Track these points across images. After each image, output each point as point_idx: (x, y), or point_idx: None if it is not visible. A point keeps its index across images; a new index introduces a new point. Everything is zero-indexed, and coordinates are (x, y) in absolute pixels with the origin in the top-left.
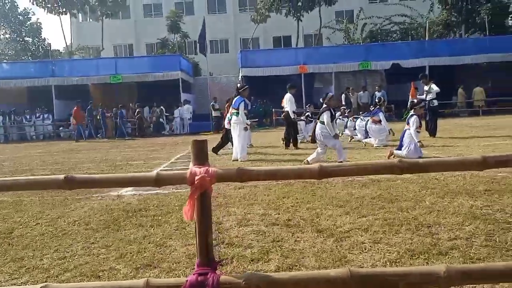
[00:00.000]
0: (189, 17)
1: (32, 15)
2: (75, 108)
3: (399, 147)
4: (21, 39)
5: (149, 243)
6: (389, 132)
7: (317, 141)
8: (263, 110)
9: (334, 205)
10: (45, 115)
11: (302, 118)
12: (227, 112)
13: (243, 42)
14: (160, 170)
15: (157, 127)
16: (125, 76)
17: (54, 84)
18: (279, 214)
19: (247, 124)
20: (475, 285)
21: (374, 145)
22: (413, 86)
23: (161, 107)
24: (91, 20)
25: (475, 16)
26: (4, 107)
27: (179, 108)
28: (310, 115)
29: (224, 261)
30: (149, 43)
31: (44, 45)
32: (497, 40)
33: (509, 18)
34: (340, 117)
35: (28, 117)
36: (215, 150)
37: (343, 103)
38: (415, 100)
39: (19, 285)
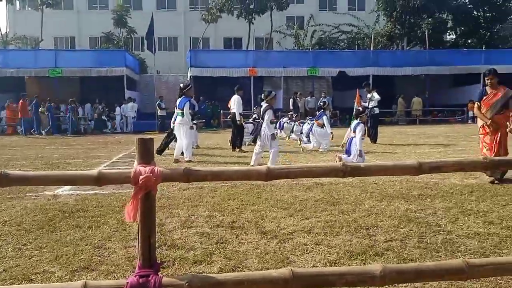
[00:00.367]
0: (137, 12)
1: None
2: (20, 101)
3: (347, 154)
4: None
5: (86, 245)
6: (330, 136)
7: (259, 140)
8: (211, 111)
9: (279, 207)
10: None
11: (249, 120)
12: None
13: (193, 41)
14: (101, 169)
15: (99, 125)
16: (66, 70)
17: None
18: (224, 216)
19: (193, 123)
20: (407, 284)
21: (320, 149)
22: (358, 93)
23: (103, 103)
24: (29, 8)
25: (416, 30)
26: None
27: (122, 105)
28: (257, 118)
29: (166, 263)
30: (92, 36)
31: None
32: (435, 53)
33: (447, 34)
34: (288, 121)
35: None
36: (160, 152)
37: (291, 107)
38: (361, 108)
39: None
